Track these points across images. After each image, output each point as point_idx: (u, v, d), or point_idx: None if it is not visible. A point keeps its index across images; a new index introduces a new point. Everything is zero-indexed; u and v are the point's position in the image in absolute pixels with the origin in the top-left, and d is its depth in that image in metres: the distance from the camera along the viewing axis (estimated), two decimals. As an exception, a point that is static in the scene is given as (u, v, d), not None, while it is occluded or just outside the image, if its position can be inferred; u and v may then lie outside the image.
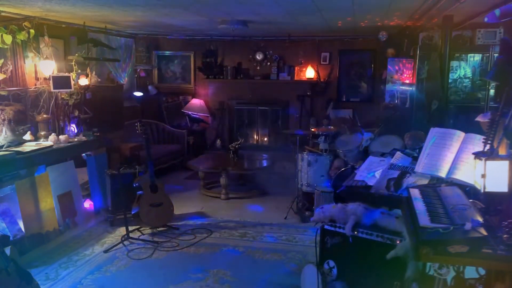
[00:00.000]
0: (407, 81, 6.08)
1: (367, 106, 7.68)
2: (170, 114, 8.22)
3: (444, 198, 2.13)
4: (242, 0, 4.22)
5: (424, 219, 1.85)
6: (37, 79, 5.04)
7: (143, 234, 4.60)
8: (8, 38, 4.42)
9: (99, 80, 6.04)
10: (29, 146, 4.35)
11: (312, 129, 5.70)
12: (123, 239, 4.38)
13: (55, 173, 4.59)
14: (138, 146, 6.08)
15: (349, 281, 2.62)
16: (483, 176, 1.89)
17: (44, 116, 4.89)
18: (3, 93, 4.51)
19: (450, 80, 5.23)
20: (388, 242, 2.37)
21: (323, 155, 5.01)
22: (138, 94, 6.78)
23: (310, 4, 4.36)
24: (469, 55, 5.48)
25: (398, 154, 3.25)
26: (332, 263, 2.69)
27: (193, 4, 4.43)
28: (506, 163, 1.88)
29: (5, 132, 4.36)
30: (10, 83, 4.68)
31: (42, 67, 4.97)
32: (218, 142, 8.17)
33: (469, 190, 2.30)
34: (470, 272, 1.97)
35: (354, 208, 2.61)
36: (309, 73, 7.79)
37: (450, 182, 2.51)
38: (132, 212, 4.67)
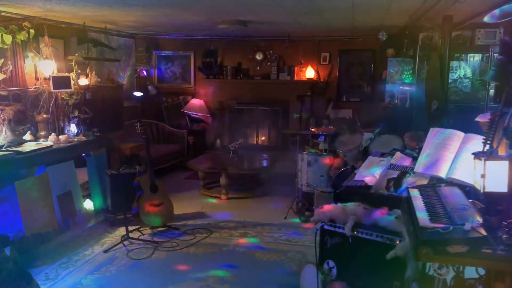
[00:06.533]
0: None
1: (367, 106, 7.65)
2: (170, 114, 8.22)
3: (444, 198, 2.14)
4: (242, 0, 4.22)
5: (423, 219, 1.85)
6: (37, 79, 5.04)
7: (143, 234, 4.60)
8: (8, 38, 4.42)
9: (99, 80, 6.03)
10: (29, 146, 4.34)
11: (312, 129, 5.69)
12: (123, 239, 4.38)
13: (55, 173, 4.58)
14: (138, 146, 6.08)
15: (348, 281, 2.62)
16: (483, 176, 1.89)
17: (44, 116, 4.89)
18: (3, 93, 4.51)
19: (450, 80, 5.22)
20: (388, 242, 2.37)
21: (323, 155, 5.01)
22: (138, 94, 6.77)
23: (310, 4, 4.36)
24: (469, 55, 5.47)
25: (398, 154, 3.26)
26: (331, 263, 2.69)
27: (193, 4, 4.42)
28: (505, 163, 1.88)
29: (5, 132, 4.36)
30: (10, 83, 4.68)
31: (42, 67, 4.97)
32: (218, 142, 8.16)
33: (469, 190, 2.31)
34: (470, 272, 1.97)
35: (354, 208, 2.61)
36: (309, 73, 7.78)
37: (449, 182, 2.51)
38: (132, 212, 4.67)
